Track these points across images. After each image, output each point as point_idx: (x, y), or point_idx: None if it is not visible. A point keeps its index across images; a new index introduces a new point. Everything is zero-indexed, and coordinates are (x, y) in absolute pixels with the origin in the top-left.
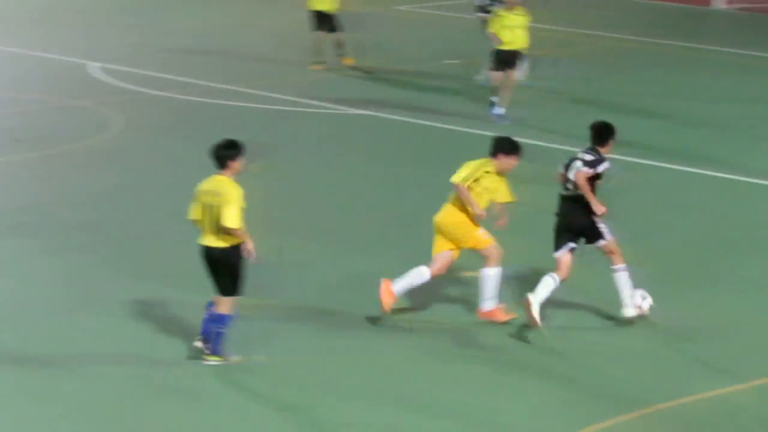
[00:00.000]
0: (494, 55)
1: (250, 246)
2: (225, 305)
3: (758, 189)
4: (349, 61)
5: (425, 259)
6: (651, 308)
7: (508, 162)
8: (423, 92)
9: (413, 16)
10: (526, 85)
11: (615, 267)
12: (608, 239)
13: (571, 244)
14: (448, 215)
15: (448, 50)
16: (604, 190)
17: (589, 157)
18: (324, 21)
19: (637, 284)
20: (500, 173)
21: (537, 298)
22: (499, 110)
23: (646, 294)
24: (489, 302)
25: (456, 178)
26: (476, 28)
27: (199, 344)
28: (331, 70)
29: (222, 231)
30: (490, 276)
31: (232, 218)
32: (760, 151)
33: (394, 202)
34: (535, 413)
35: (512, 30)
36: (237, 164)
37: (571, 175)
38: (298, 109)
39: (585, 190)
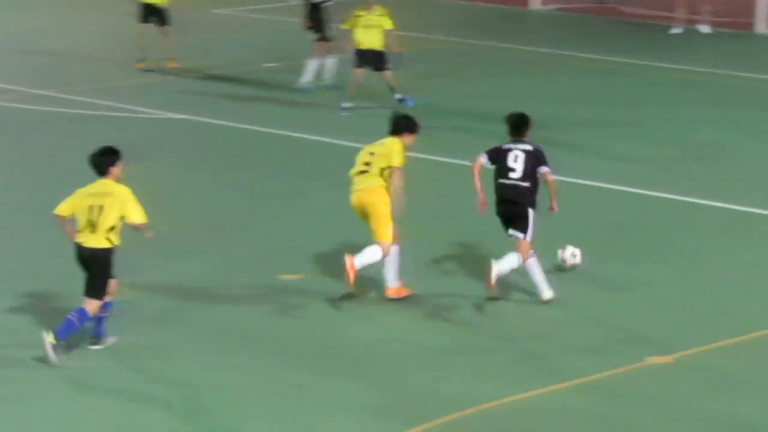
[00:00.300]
0: (356, 54)
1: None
2: (92, 306)
3: (581, 189)
4: (173, 65)
5: (247, 263)
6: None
7: (411, 139)
8: (243, 95)
9: (231, 18)
10: (330, 85)
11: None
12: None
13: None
14: (378, 196)
15: (267, 53)
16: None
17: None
18: (153, 14)
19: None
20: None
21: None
22: (347, 104)
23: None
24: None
25: (397, 162)
26: (294, 30)
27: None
28: (153, 71)
29: (112, 231)
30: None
31: (139, 214)
32: (581, 151)
33: (214, 207)
34: (357, 417)
35: (369, 29)
36: (117, 170)
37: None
38: (116, 114)
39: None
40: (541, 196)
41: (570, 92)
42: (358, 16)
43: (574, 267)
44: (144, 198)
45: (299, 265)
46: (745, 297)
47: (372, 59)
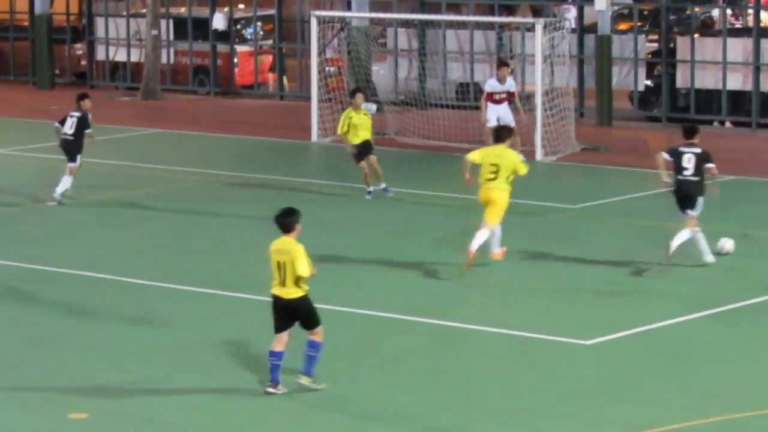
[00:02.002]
0: (353, 150)
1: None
2: (319, 334)
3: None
4: None
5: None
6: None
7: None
8: (28, 235)
9: (12, 159)
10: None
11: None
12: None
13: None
14: (501, 193)
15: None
16: None
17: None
18: None
19: None
20: None
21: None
22: (379, 187)
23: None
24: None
25: (523, 170)
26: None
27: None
28: None
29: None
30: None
31: (303, 269)
32: (367, 283)
33: None
34: None
35: (356, 127)
36: (298, 227)
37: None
38: None
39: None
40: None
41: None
42: (349, 117)
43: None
44: None
45: (89, 403)
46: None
47: (365, 149)
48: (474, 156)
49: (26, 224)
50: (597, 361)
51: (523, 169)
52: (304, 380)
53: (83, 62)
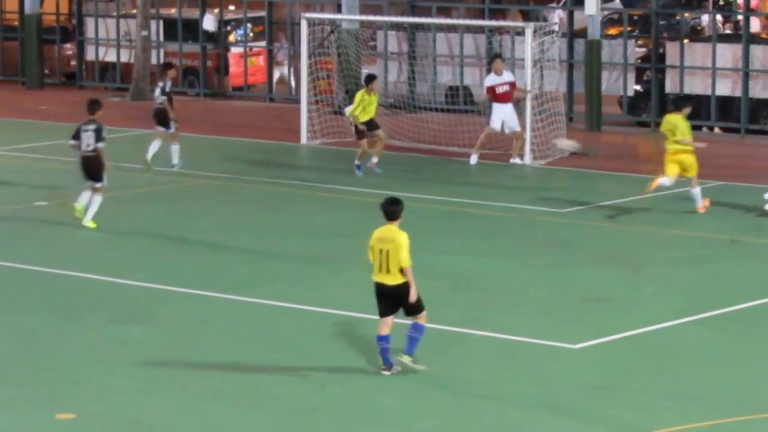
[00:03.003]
0: (362, 128)
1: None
2: (423, 318)
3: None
4: None
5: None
6: None
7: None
8: (15, 235)
9: None
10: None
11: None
12: None
13: None
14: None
15: (36, 192)
16: None
17: None
18: None
19: None
20: None
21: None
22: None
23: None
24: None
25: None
26: (59, 169)
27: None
28: None
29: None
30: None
31: (405, 260)
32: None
33: None
34: None
35: (367, 108)
36: (402, 216)
37: None
38: None
39: None
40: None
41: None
42: (362, 100)
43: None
44: None
45: (76, 404)
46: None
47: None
48: None
49: (12, 224)
50: (586, 365)
51: None
52: (406, 359)
53: (73, 63)
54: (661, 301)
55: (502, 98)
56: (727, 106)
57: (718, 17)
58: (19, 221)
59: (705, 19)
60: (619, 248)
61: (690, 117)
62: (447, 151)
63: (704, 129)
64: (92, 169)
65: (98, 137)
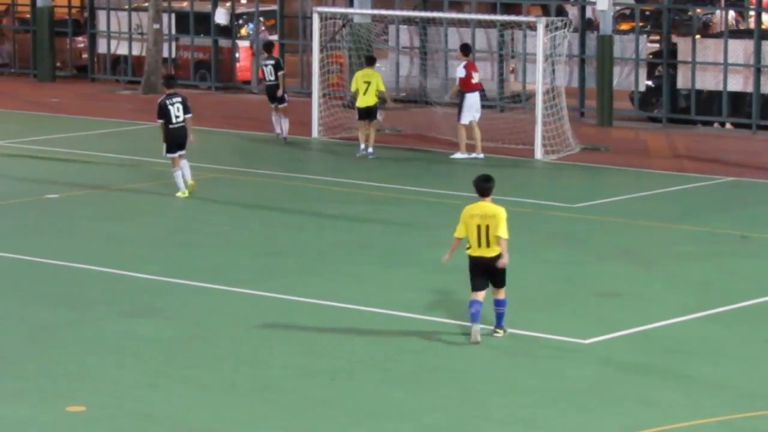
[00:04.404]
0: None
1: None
2: (504, 293)
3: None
4: None
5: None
6: None
7: None
8: (27, 228)
9: (11, 152)
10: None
11: None
12: None
13: None
14: None
15: (48, 185)
16: None
17: None
18: None
19: None
20: None
21: None
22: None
23: None
24: None
25: None
26: (70, 161)
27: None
28: None
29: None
30: None
31: (505, 231)
32: (362, 280)
33: None
34: None
35: (365, 85)
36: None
37: None
38: None
39: None
40: None
41: (345, 219)
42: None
43: None
44: None
45: (86, 397)
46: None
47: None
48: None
49: (25, 217)
50: (595, 360)
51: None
52: (500, 333)
53: (84, 55)
54: (671, 296)
55: (477, 87)
56: (738, 101)
57: (731, 13)
58: (30, 214)
59: (716, 14)
60: (630, 243)
61: (701, 112)
62: (456, 144)
63: (716, 125)
64: (183, 138)
65: (186, 108)
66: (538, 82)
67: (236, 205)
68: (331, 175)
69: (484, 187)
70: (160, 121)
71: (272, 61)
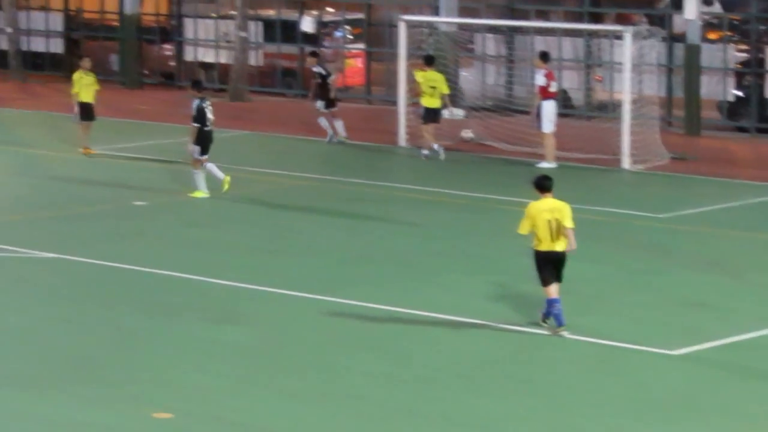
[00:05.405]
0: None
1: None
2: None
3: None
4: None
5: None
6: None
7: None
8: (114, 234)
9: (100, 159)
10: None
11: None
12: None
13: None
14: None
15: (135, 192)
16: None
17: None
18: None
19: None
20: None
21: None
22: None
23: None
24: None
25: None
26: (157, 169)
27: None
28: (17, 219)
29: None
30: None
31: (571, 222)
32: (441, 287)
33: (81, 345)
34: None
35: (431, 88)
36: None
37: None
38: None
39: None
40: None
41: (430, 227)
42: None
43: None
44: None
45: (173, 404)
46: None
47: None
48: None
49: (112, 223)
50: (682, 371)
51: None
52: (564, 331)
53: (171, 63)
54: (760, 307)
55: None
56: None
57: None
58: (117, 221)
59: None
60: (717, 254)
61: None
62: (540, 154)
63: None
64: (212, 140)
65: (212, 111)
66: (625, 91)
67: (320, 212)
68: (415, 182)
69: (546, 183)
70: (197, 124)
71: (321, 68)
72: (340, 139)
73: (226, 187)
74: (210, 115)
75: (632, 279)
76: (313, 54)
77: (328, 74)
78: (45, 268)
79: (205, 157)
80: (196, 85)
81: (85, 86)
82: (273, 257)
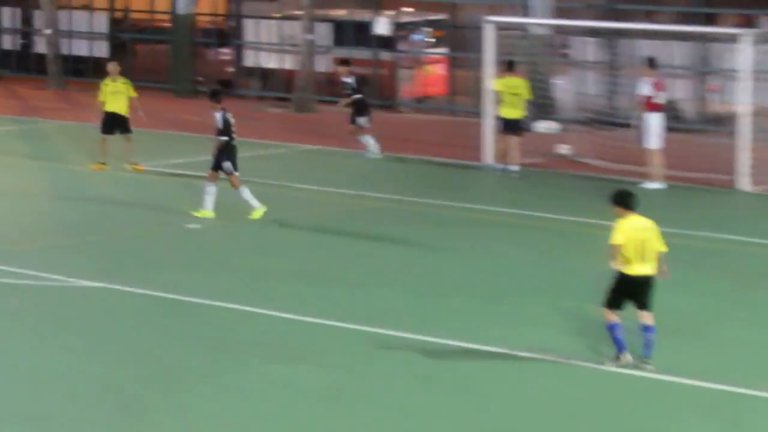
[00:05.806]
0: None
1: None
2: (651, 317)
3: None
4: (139, 168)
5: None
6: None
7: None
8: (166, 261)
9: (142, 176)
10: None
11: None
12: None
13: None
14: None
15: (187, 215)
16: None
17: None
18: (117, 122)
19: None
20: None
21: None
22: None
23: None
24: None
25: None
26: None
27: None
28: (59, 244)
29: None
30: None
31: (662, 245)
32: (540, 324)
33: (127, 385)
34: None
35: (512, 96)
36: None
37: None
38: (21, 281)
39: None
40: None
41: (516, 256)
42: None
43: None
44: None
45: None
46: None
47: (513, 126)
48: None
49: (162, 249)
50: None
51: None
52: (650, 366)
53: (229, 69)
54: None
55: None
56: None
57: None
58: (169, 246)
59: None
60: None
61: None
62: (642, 172)
63: None
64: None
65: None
66: (743, 102)
67: (396, 238)
68: (504, 205)
69: (631, 200)
70: (224, 137)
71: (351, 79)
72: (369, 155)
73: (256, 216)
74: (234, 128)
75: (751, 314)
76: (344, 62)
77: (359, 89)
78: (92, 299)
79: (238, 173)
80: (215, 95)
81: (110, 94)
82: (343, 288)
